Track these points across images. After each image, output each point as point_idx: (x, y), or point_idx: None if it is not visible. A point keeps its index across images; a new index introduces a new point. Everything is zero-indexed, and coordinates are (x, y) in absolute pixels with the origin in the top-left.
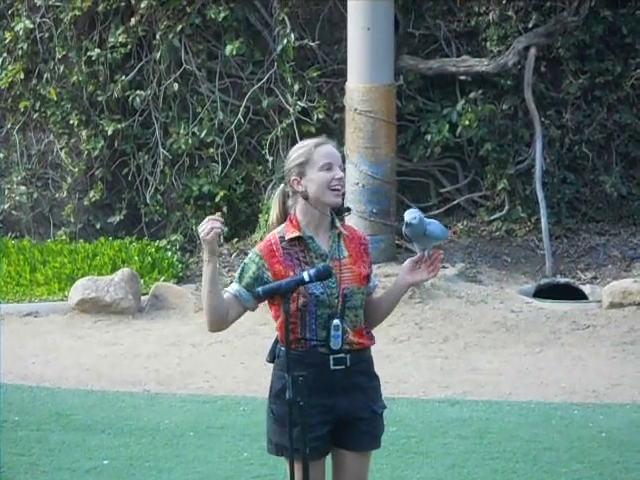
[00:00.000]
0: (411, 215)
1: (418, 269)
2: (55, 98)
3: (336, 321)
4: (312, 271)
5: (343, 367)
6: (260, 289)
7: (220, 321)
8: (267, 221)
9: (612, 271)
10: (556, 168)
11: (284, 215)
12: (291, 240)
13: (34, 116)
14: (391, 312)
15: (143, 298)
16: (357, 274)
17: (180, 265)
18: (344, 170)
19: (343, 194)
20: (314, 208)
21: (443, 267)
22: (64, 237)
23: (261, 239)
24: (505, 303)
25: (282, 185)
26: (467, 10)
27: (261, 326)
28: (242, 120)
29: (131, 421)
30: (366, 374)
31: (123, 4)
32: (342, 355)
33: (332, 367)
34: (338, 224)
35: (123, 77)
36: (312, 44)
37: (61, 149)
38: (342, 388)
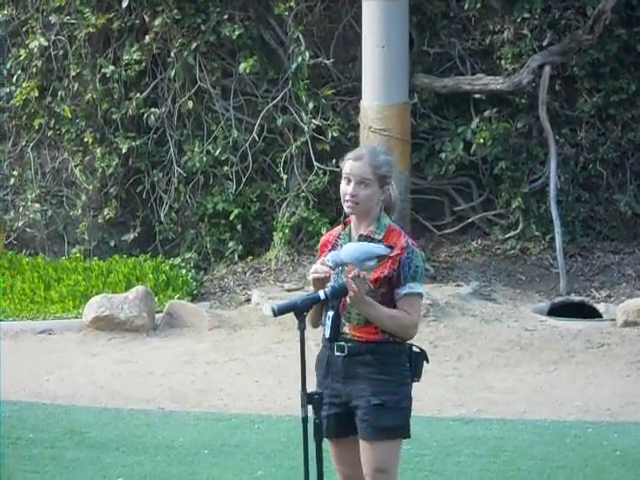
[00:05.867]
0: (328, 261)
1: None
2: (69, 116)
3: (330, 312)
4: (328, 289)
5: (343, 355)
6: (275, 306)
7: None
8: (282, 239)
9: (626, 289)
10: (570, 186)
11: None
12: (338, 235)
13: (48, 134)
14: (384, 328)
15: (157, 316)
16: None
17: (194, 283)
18: (388, 181)
19: (356, 206)
20: None
21: (457, 285)
22: (78, 254)
23: (275, 257)
24: (519, 321)
25: None
26: (482, 28)
27: (275, 344)
28: (257, 138)
29: (145, 439)
30: (372, 365)
31: (138, 22)
32: (342, 343)
33: (335, 353)
34: (373, 228)
35: (138, 95)
36: (327, 62)
37: (75, 167)
38: (347, 375)
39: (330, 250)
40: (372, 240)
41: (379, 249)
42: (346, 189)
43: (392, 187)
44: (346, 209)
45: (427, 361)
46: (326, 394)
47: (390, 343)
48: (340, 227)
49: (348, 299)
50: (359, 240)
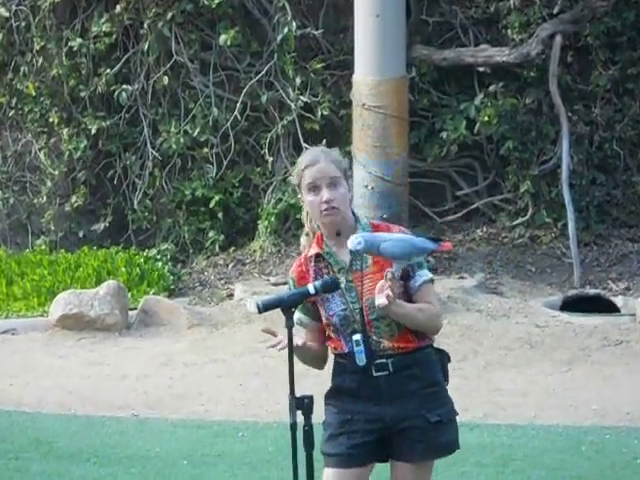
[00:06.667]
0: (353, 243)
1: (384, 292)
2: (33, 93)
3: (357, 336)
4: (318, 283)
5: (387, 373)
6: (260, 303)
7: (322, 361)
8: (267, 228)
9: None
10: (584, 168)
11: (313, 231)
12: (316, 256)
13: (10, 113)
14: (415, 327)
15: (131, 313)
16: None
17: (171, 277)
18: (350, 174)
19: (336, 210)
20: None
21: (461, 278)
22: (43, 247)
23: (260, 248)
24: (529, 317)
25: None
26: None
27: (260, 344)
28: (239, 117)
29: (118, 449)
30: (419, 379)
31: None
32: (384, 361)
33: (374, 374)
34: (361, 231)
35: (108, 70)
36: (315, 33)
37: (40, 150)
38: (390, 395)
39: (315, 279)
40: None
41: (429, 244)
42: (316, 199)
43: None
44: (329, 219)
45: (450, 359)
46: (357, 420)
47: (429, 347)
48: (309, 253)
49: (380, 304)
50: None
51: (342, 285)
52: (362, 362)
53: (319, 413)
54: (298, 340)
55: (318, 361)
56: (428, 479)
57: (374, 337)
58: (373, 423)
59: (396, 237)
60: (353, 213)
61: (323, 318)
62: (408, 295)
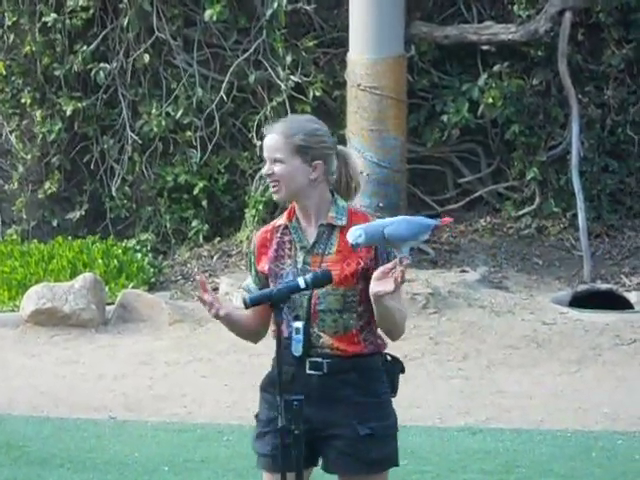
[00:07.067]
0: (353, 236)
1: (391, 277)
2: (4, 72)
3: (298, 324)
4: (309, 276)
5: (320, 373)
6: (248, 298)
7: (255, 336)
8: (255, 217)
9: None
10: (596, 154)
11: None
12: (284, 228)
13: None
14: (388, 324)
15: (108, 308)
16: (339, 274)
17: (152, 269)
18: (322, 147)
19: (279, 185)
20: None
21: (462, 271)
22: (15, 236)
23: (247, 238)
24: (536, 314)
25: None
26: None
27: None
28: (225, 98)
29: (94, 454)
30: (355, 386)
31: None
32: (319, 360)
33: (307, 371)
34: (333, 214)
35: (84, 48)
36: (307, 8)
37: (11, 132)
38: (320, 397)
39: (277, 251)
40: (334, 228)
41: (430, 220)
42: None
43: (336, 165)
44: (274, 195)
45: (403, 371)
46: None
47: (376, 355)
48: (279, 221)
49: (381, 291)
50: (321, 230)
51: (299, 266)
52: (298, 352)
53: None
54: (221, 310)
55: (252, 336)
56: None
57: (316, 330)
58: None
59: (396, 219)
60: (333, 193)
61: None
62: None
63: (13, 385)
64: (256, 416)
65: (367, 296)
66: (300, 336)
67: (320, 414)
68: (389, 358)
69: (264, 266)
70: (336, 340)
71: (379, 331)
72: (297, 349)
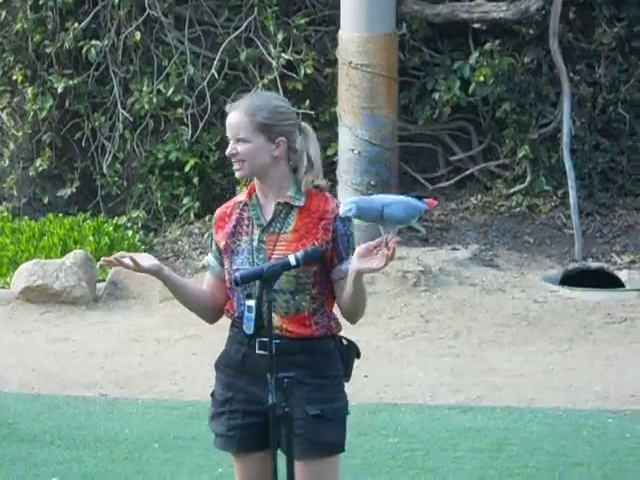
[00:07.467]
0: (344, 209)
1: (375, 255)
2: None
3: (250, 302)
4: (299, 253)
5: (268, 354)
6: (238, 275)
7: (210, 314)
8: None
9: None
10: (587, 132)
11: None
12: (244, 204)
13: None
14: (358, 304)
15: (99, 285)
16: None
17: (143, 246)
18: (289, 124)
19: (242, 164)
20: None
21: (453, 249)
22: (5, 213)
23: None
24: (527, 292)
25: None
26: None
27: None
28: (216, 75)
29: (85, 431)
30: (304, 367)
31: None
32: (267, 340)
33: (257, 351)
34: (292, 193)
35: (75, 25)
36: None
37: (2, 110)
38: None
39: (235, 227)
40: (292, 208)
41: (419, 203)
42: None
43: (299, 142)
44: (235, 173)
45: (359, 356)
46: (238, 399)
47: (328, 338)
48: (239, 197)
49: (367, 269)
50: (278, 209)
51: (254, 243)
52: (250, 330)
53: None
54: (167, 271)
55: (206, 312)
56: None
57: (269, 309)
58: (252, 404)
59: (394, 200)
60: (294, 171)
61: (225, 271)
62: (330, 279)
63: (3, 362)
64: (212, 395)
65: (321, 278)
66: (252, 315)
67: (272, 396)
68: (344, 342)
69: (220, 241)
70: (286, 321)
71: (335, 313)
72: (249, 327)
